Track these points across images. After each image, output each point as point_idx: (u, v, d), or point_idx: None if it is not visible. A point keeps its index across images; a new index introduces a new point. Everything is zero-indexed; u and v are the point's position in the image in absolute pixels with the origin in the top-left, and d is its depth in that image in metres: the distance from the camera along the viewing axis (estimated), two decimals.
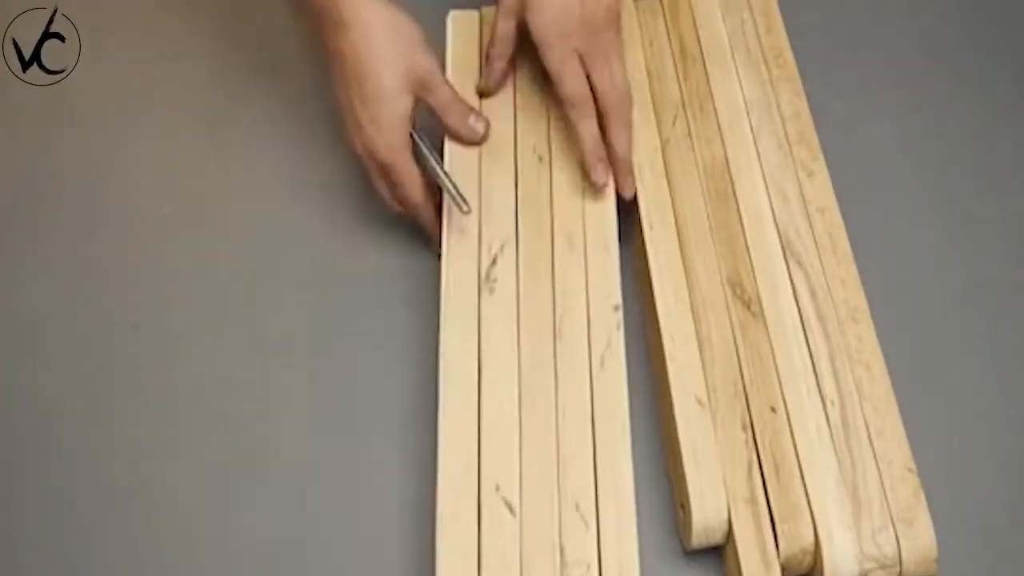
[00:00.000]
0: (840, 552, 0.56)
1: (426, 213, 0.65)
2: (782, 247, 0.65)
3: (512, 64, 0.68)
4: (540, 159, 0.67)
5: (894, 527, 0.56)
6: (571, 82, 0.63)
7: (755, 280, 0.64)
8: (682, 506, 0.59)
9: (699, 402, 0.60)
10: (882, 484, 0.57)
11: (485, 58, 0.68)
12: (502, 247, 0.63)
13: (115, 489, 0.63)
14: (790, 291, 0.63)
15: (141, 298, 0.69)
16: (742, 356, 0.61)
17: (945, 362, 0.66)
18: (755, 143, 0.68)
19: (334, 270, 0.69)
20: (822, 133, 0.69)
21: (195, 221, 0.72)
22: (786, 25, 0.73)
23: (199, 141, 0.76)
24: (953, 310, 0.68)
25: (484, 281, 0.62)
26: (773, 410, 0.60)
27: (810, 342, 0.62)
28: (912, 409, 0.60)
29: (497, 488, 0.56)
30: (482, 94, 0.68)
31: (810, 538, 0.56)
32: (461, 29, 0.71)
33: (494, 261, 0.63)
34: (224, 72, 0.78)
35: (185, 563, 0.61)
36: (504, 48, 0.66)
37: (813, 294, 0.63)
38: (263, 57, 0.79)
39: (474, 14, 0.71)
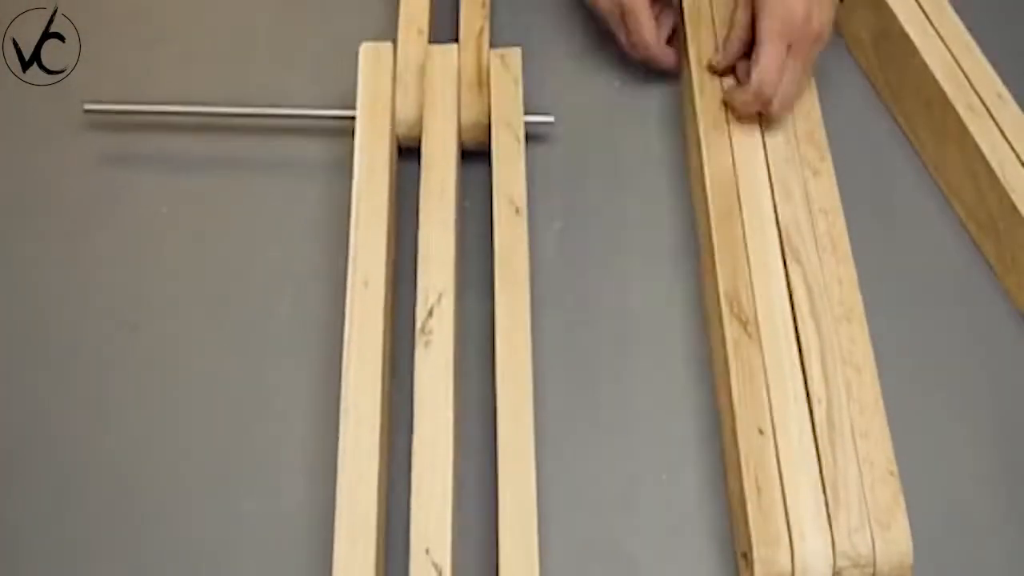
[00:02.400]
0: (811, 552, 0.56)
1: (658, 53, 0.75)
2: (781, 242, 0.65)
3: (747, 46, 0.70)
4: (517, 211, 0.66)
5: (871, 528, 0.57)
6: (768, 70, 0.67)
7: (750, 279, 0.64)
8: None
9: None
10: (862, 484, 0.58)
11: (723, 40, 0.72)
12: (439, 297, 0.62)
13: (115, 489, 0.63)
14: (785, 289, 0.63)
15: (141, 298, 0.69)
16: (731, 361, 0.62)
17: (938, 368, 0.67)
18: (762, 137, 0.69)
19: (335, 269, 0.69)
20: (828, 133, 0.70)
21: (194, 221, 0.72)
22: None
23: (198, 141, 0.76)
24: (951, 314, 0.68)
25: (420, 334, 0.61)
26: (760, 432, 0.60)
27: (801, 339, 0.62)
28: (899, 413, 0.61)
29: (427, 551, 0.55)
30: (713, 69, 0.72)
31: (787, 566, 0.56)
32: (374, 62, 0.70)
33: (430, 313, 0.62)
34: (224, 71, 0.78)
35: (185, 562, 0.61)
36: (743, 34, 0.70)
37: (809, 290, 0.63)
38: (264, 57, 0.79)
39: (387, 46, 0.71)
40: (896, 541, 0.56)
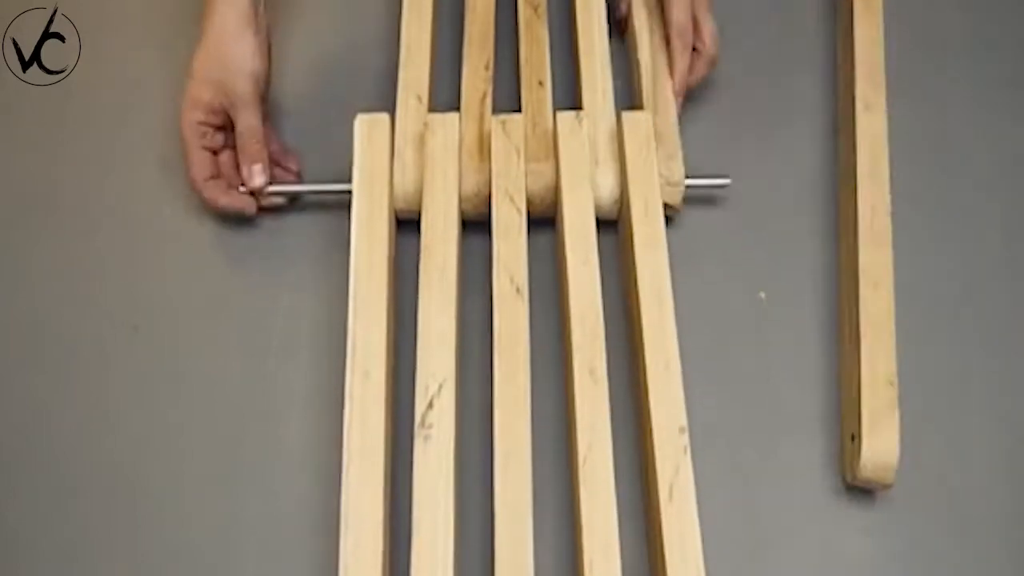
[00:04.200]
0: None
1: (207, 194, 0.69)
2: None
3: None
4: (518, 290, 0.63)
5: (860, 425, 0.59)
6: (680, 10, 0.71)
7: None
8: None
9: None
10: (859, 383, 0.60)
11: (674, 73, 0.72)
12: (439, 388, 0.60)
13: (115, 489, 0.63)
14: None
15: (141, 298, 0.69)
16: None
17: (939, 364, 0.67)
18: None
19: (337, 268, 0.69)
20: None
21: (195, 221, 0.72)
22: None
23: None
24: (950, 314, 0.69)
25: (419, 427, 0.59)
26: None
27: None
28: (906, 406, 0.61)
29: None
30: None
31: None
32: (369, 135, 0.68)
33: (430, 404, 0.59)
34: None
35: (185, 562, 0.61)
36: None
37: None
38: None
39: (384, 117, 0.68)
40: (883, 441, 0.58)
